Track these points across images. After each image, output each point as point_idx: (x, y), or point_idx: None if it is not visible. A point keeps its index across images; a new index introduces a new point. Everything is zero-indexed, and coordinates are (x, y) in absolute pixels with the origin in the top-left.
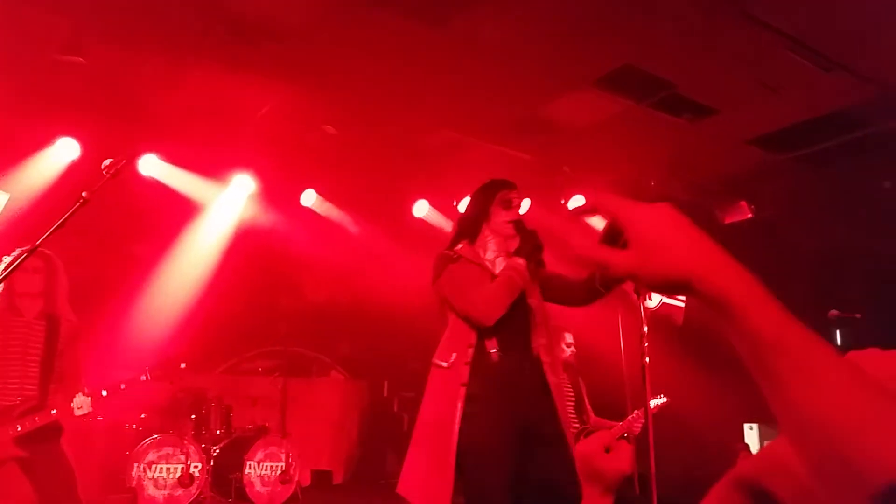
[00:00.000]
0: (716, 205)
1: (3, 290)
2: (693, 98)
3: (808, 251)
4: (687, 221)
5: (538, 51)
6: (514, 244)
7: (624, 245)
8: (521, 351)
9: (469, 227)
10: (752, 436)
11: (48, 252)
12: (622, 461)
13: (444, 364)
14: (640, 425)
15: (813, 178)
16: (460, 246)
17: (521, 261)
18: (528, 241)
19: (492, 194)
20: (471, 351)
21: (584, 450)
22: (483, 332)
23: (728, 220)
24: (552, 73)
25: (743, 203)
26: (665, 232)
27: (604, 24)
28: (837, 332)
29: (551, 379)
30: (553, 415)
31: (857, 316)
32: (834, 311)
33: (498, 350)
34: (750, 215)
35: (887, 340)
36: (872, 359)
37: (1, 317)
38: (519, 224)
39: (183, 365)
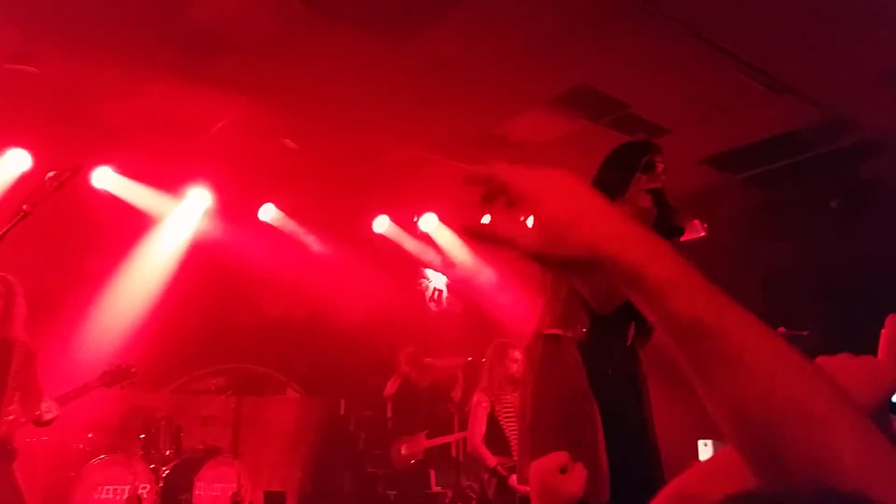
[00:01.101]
0: None
1: None
2: (647, 118)
3: (757, 269)
4: (588, 189)
5: (496, 69)
6: (651, 218)
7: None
8: (616, 339)
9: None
10: (706, 452)
11: (9, 276)
12: (575, 484)
13: (569, 335)
14: None
15: (763, 197)
16: None
17: None
18: (666, 218)
19: (637, 159)
20: (583, 331)
21: (540, 468)
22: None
23: (682, 239)
24: (510, 91)
25: (696, 222)
26: (567, 205)
27: (560, 45)
28: None
29: (642, 371)
30: (638, 403)
31: (804, 333)
32: (781, 328)
33: (588, 332)
34: (703, 234)
35: None
36: (841, 364)
37: None
38: (658, 195)
39: (134, 370)
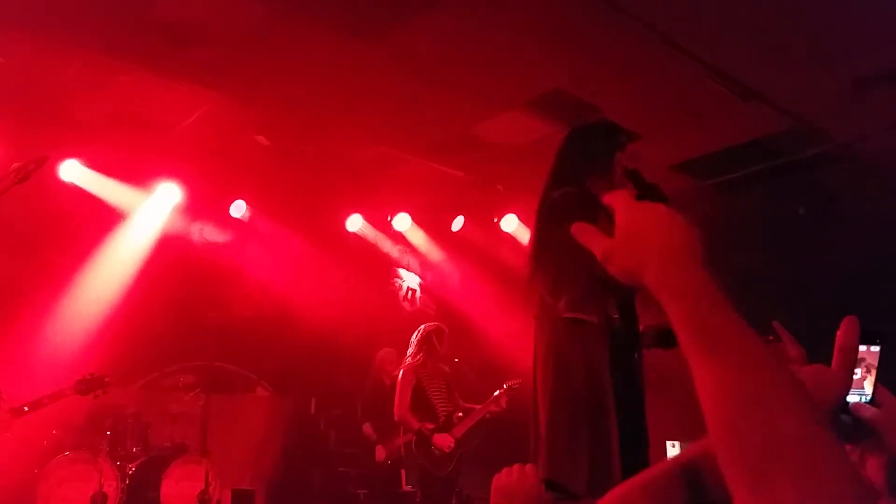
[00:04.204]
0: None
1: None
2: (619, 123)
3: (726, 275)
4: (672, 221)
5: (470, 71)
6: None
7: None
8: (634, 331)
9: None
10: (674, 454)
11: None
12: (534, 488)
13: (593, 320)
14: (503, 403)
15: (732, 203)
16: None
17: None
18: (651, 194)
19: (614, 140)
20: (614, 317)
21: (501, 480)
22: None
23: None
24: (484, 94)
25: None
26: (645, 226)
27: (534, 49)
28: None
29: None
30: (641, 399)
31: (771, 338)
32: None
33: (618, 319)
34: None
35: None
36: (816, 373)
37: None
38: (636, 174)
39: (107, 379)
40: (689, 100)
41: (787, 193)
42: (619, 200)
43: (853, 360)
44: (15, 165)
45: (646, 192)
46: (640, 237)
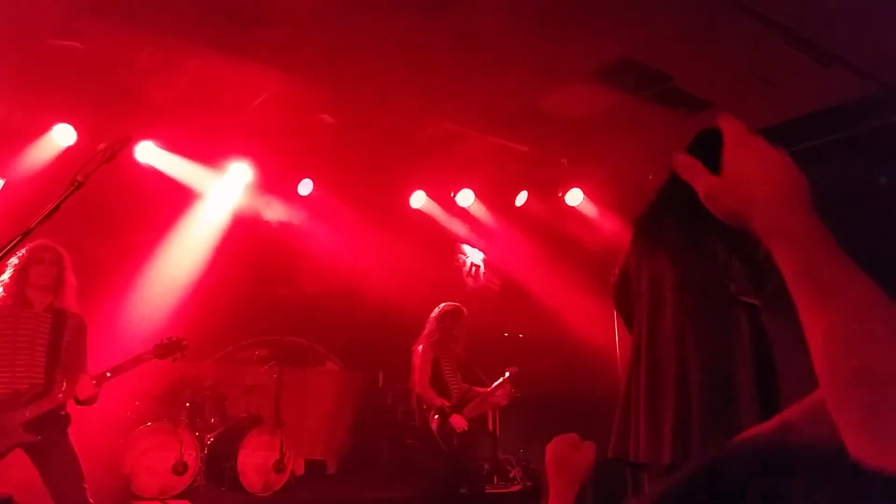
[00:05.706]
0: None
1: (17, 280)
2: (690, 91)
3: None
4: (781, 163)
5: (535, 42)
6: None
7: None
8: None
9: None
10: None
11: (59, 248)
12: (588, 456)
13: (758, 304)
14: (506, 393)
15: (809, 173)
16: None
17: None
18: None
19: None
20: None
21: (557, 446)
22: None
23: None
24: (549, 65)
25: None
26: (753, 167)
27: (601, 16)
28: None
29: None
30: None
31: None
32: None
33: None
34: None
35: None
36: None
37: (13, 307)
38: None
39: (185, 342)
40: (764, 66)
41: (866, 162)
42: (730, 134)
43: None
44: (101, 146)
45: None
46: (747, 179)
